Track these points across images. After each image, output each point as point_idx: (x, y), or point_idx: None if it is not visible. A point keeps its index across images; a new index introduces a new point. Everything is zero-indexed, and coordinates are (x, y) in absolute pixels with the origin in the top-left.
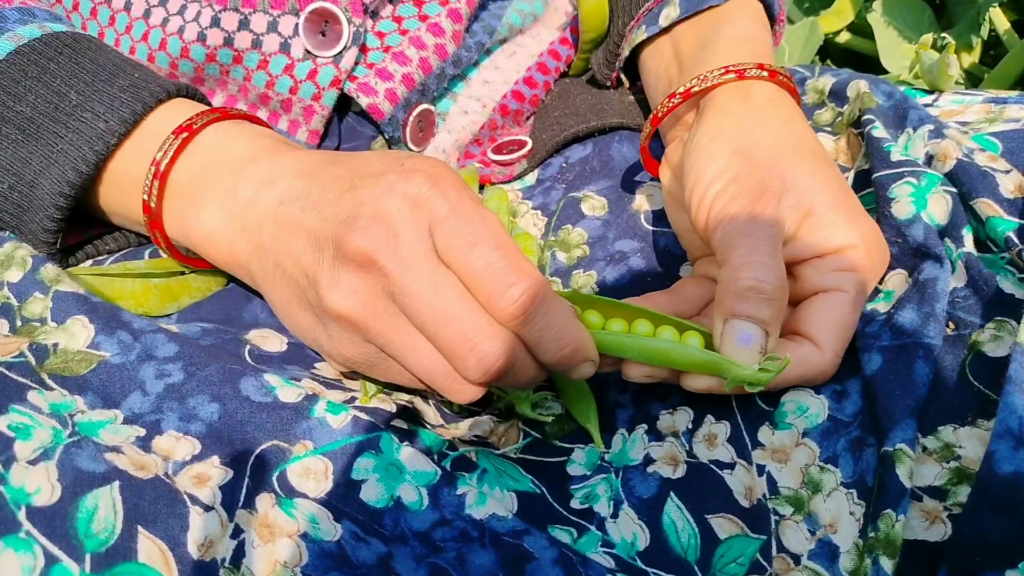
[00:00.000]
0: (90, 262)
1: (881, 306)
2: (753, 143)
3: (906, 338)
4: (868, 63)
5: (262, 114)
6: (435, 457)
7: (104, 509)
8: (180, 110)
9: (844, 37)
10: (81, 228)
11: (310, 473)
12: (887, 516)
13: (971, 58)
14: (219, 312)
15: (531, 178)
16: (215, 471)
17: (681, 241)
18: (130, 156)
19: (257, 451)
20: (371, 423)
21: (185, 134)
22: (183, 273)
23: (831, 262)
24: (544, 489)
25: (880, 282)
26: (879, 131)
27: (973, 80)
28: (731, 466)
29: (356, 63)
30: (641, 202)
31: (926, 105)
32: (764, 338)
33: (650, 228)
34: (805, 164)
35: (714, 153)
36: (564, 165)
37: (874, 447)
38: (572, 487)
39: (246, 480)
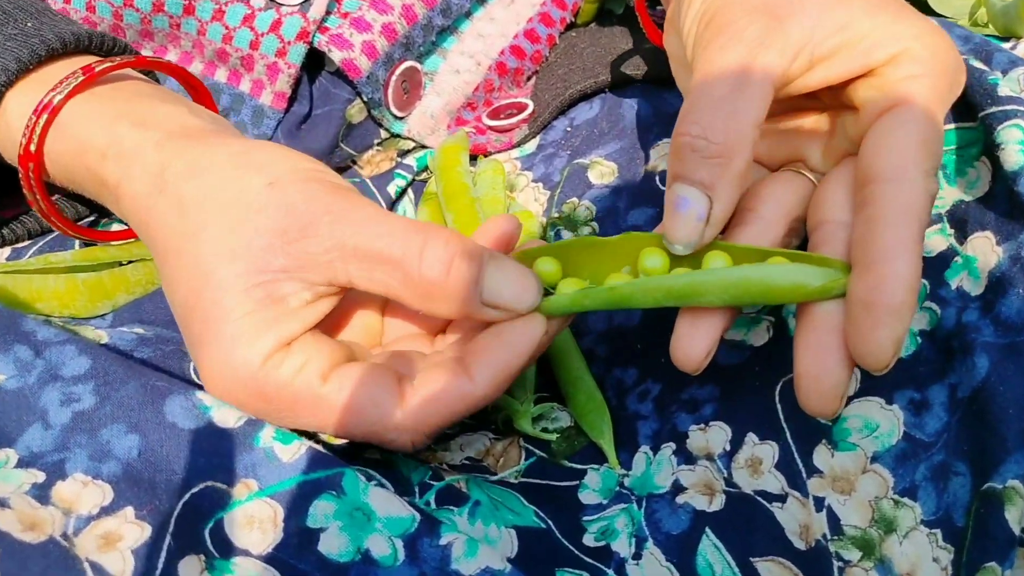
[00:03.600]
0: (8, 251)
1: (966, 281)
2: None
3: (1015, 335)
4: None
5: (221, 74)
6: (416, 490)
7: None
8: (83, 63)
9: None
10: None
11: (254, 522)
12: (990, 570)
13: None
14: (164, 311)
15: (531, 145)
16: (128, 528)
17: None
18: (16, 107)
19: (186, 497)
20: (331, 456)
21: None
22: (120, 264)
23: (887, 75)
24: (551, 523)
25: (960, 243)
26: (976, 62)
27: None
28: (781, 498)
29: (328, 12)
30: (657, 162)
31: None
32: (706, 205)
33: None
34: None
35: None
36: (569, 129)
37: (965, 476)
38: (585, 519)
39: (167, 539)
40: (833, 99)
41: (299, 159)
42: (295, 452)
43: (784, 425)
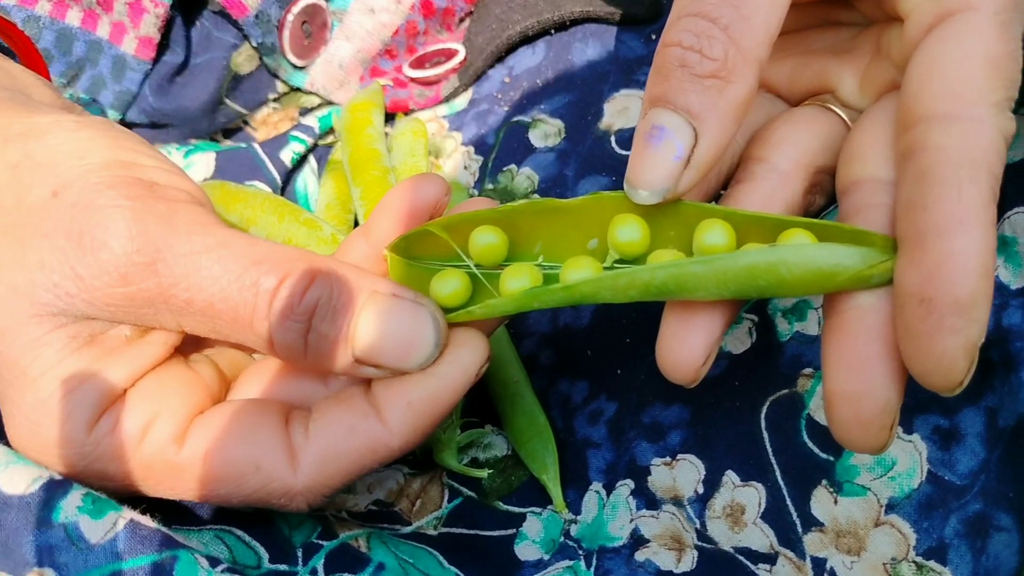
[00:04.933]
0: None
1: (1003, 271)
2: None
3: None
4: None
5: (73, 16)
6: (299, 554)
7: None
8: None
9: None
10: None
11: None
12: None
13: None
14: None
15: (462, 101)
16: None
17: None
18: None
19: None
20: (161, 533)
21: None
22: None
23: None
24: None
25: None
26: None
27: None
28: (769, 558)
29: None
30: (612, 119)
31: None
32: (689, 139)
33: (625, 154)
34: None
35: None
36: (507, 80)
37: (1011, 532)
38: None
39: None
40: (875, 8)
41: (96, 149)
42: (108, 529)
43: (773, 460)
